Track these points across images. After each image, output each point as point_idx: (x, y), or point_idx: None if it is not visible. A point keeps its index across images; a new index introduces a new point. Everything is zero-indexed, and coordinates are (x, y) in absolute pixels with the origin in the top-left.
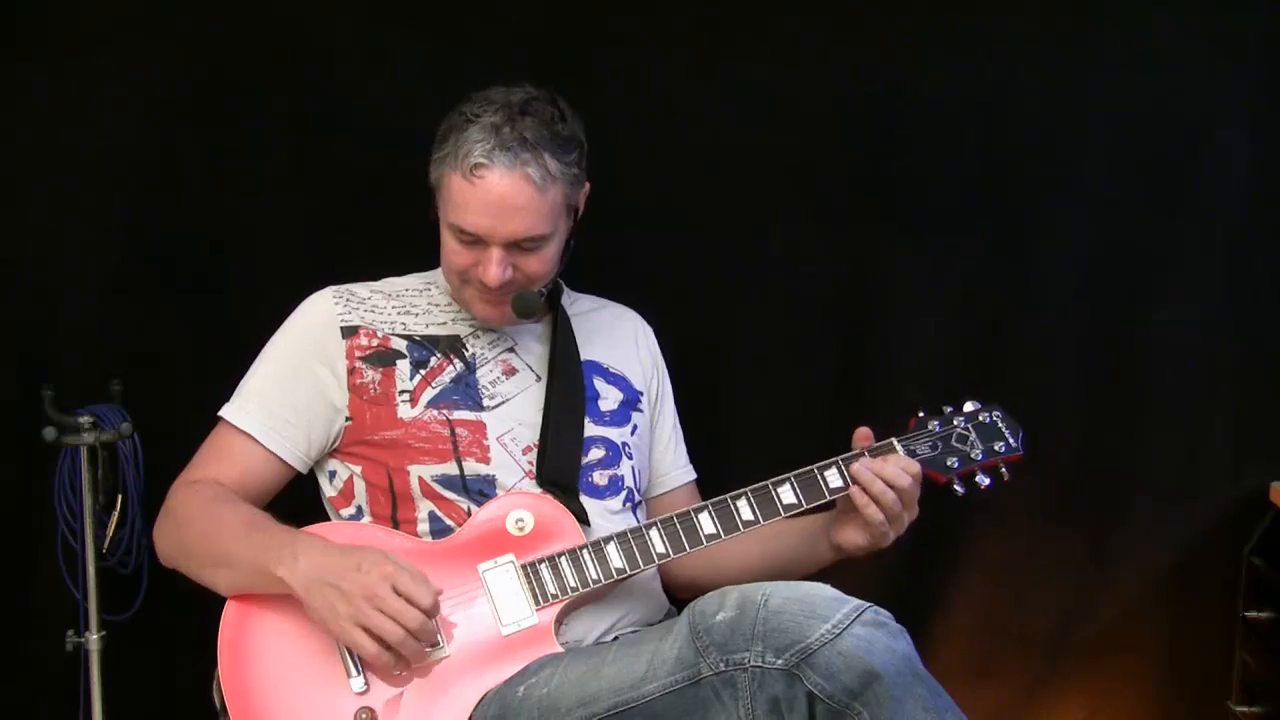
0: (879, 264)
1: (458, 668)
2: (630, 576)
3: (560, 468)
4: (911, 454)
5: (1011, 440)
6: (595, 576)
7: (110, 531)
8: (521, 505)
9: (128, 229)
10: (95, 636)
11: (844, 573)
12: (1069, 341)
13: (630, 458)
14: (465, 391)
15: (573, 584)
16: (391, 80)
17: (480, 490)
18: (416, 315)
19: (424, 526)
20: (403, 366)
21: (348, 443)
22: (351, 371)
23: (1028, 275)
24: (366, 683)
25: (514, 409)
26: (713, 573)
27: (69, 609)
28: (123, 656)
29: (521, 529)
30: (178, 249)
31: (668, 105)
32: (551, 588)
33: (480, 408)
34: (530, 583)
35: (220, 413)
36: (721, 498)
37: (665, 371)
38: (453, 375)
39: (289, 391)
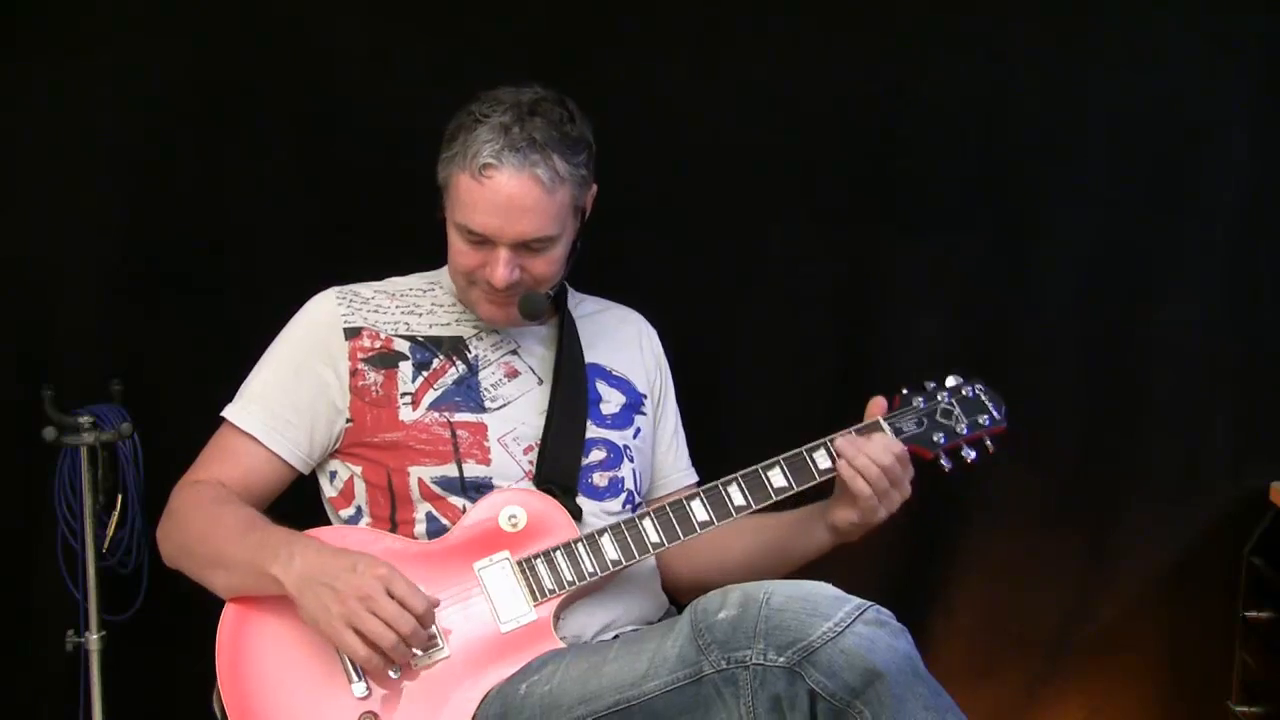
0: (879, 264)
1: (459, 668)
2: (626, 568)
3: (560, 467)
4: (898, 431)
5: (995, 413)
6: (591, 569)
7: (110, 531)
8: (514, 501)
9: (128, 229)
10: (95, 636)
11: (845, 572)
12: (1069, 341)
13: (632, 460)
14: (467, 393)
15: (569, 578)
16: (392, 80)
17: (479, 491)
18: (420, 315)
19: (421, 528)
20: (405, 368)
21: (348, 444)
22: (354, 373)
23: (1028, 275)
24: (368, 687)
25: (515, 411)
26: (715, 567)
27: (69, 609)
28: (123, 656)
29: (515, 525)
30: (178, 249)
31: (668, 105)
32: (548, 582)
33: (482, 409)
34: (527, 578)
35: (223, 413)
36: (712, 484)
37: (669, 374)
38: (455, 377)
39: (291, 392)
